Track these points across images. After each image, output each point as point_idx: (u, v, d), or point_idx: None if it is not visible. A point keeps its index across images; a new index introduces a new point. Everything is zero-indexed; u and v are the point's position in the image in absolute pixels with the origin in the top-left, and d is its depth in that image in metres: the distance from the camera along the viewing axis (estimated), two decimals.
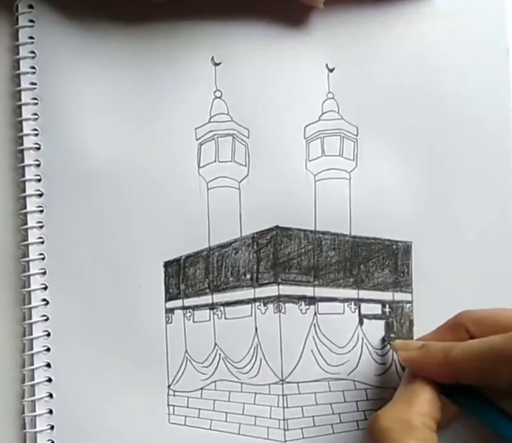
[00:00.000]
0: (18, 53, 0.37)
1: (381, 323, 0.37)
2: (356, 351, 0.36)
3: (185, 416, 0.36)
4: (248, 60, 0.37)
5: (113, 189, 0.37)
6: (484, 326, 0.30)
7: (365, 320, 0.37)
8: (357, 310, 0.37)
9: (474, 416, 0.29)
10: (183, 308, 0.37)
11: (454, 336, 0.31)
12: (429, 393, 0.30)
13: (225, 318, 0.37)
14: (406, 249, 0.37)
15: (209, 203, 0.37)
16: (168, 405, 0.36)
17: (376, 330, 0.37)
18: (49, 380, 0.36)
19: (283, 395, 0.36)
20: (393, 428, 0.28)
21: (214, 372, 0.37)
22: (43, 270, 0.36)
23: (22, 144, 0.37)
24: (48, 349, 0.36)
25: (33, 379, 0.36)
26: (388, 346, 0.36)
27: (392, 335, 0.36)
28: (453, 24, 0.37)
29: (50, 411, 0.36)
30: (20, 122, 0.37)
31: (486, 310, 0.32)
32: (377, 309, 0.37)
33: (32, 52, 0.37)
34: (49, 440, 0.36)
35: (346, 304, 0.37)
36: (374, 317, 0.37)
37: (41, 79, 0.37)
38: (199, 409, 0.36)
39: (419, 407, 0.29)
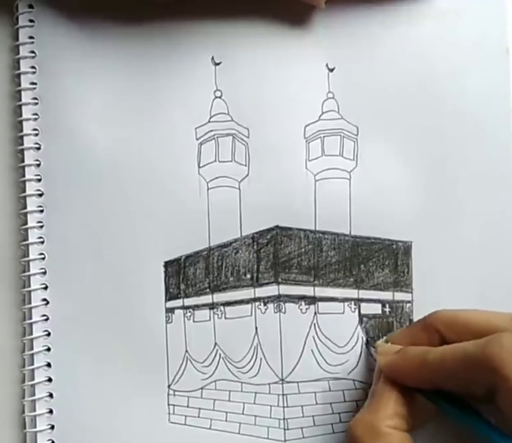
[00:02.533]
0: (18, 53, 0.37)
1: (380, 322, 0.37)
2: (356, 350, 0.36)
3: (185, 416, 0.36)
4: (248, 60, 0.37)
5: (113, 189, 0.37)
6: (455, 329, 0.30)
7: (365, 320, 0.37)
8: (357, 310, 0.37)
9: (454, 419, 0.29)
10: (183, 307, 0.37)
11: (425, 337, 0.31)
12: (395, 392, 0.30)
13: (225, 317, 0.37)
14: (406, 249, 0.37)
15: (209, 203, 0.37)
16: (168, 404, 0.36)
17: (375, 330, 0.37)
18: (49, 380, 0.36)
19: (283, 394, 0.36)
20: (362, 435, 0.29)
21: (214, 372, 0.37)
22: (43, 270, 0.36)
23: (22, 144, 0.37)
24: (48, 349, 0.36)
25: (33, 379, 0.36)
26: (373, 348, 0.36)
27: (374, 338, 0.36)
28: (453, 24, 0.37)
29: (50, 411, 0.36)
30: (20, 122, 0.37)
31: (456, 311, 0.31)
32: (377, 308, 0.37)
33: (32, 52, 0.37)
34: (49, 440, 0.36)
35: (346, 303, 0.37)
36: (374, 316, 0.37)
37: (41, 79, 0.37)
38: (199, 408, 0.37)
39: (384, 411, 0.30)
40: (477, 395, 0.28)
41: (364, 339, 0.36)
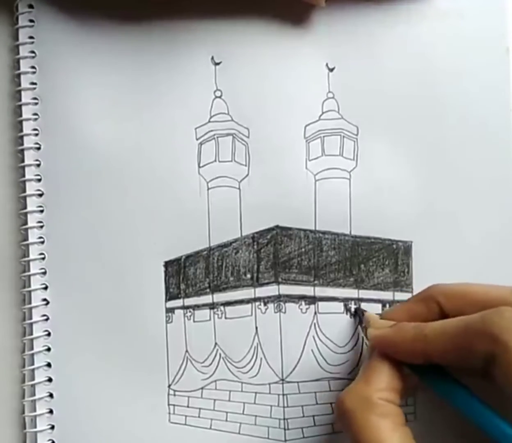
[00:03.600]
0: (18, 53, 0.37)
1: None
2: (356, 350, 0.36)
3: (186, 416, 0.36)
4: (248, 60, 0.37)
5: (114, 189, 0.37)
6: (454, 300, 0.30)
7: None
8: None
9: (443, 396, 0.29)
10: (184, 307, 0.37)
11: (425, 309, 0.31)
12: (387, 366, 0.30)
13: (226, 317, 0.37)
14: (406, 248, 0.37)
15: (210, 203, 0.37)
16: (169, 404, 0.36)
17: None
18: (50, 380, 0.36)
19: (283, 394, 0.36)
20: (355, 408, 0.29)
21: (214, 372, 0.37)
22: (43, 270, 0.36)
23: (22, 144, 0.37)
24: (48, 349, 0.36)
25: (33, 379, 0.36)
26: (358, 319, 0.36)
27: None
28: (453, 24, 0.37)
29: (51, 411, 0.36)
30: (20, 122, 0.37)
31: (456, 284, 0.31)
32: (377, 308, 0.37)
33: (32, 52, 0.37)
34: (49, 440, 0.36)
35: (346, 303, 0.37)
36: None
37: (41, 79, 0.37)
38: (200, 408, 0.37)
39: (376, 383, 0.29)
40: (474, 367, 0.28)
41: (353, 309, 0.36)
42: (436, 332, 0.28)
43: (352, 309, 0.36)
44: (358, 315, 0.36)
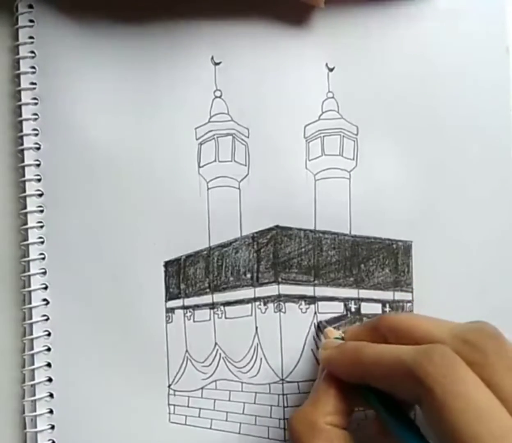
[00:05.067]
0: (18, 53, 0.37)
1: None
2: None
3: (186, 416, 0.36)
4: (248, 60, 0.37)
5: (113, 189, 0.37)
6: (397, 335, 0.30)
7: (366, 320, 0.37)
8: (357, 310, 0.37)
9: (383, 420, 0.29)
10: (184, 307, 0.37)
11: (371, 339, 0.30)
12: (334, 388, 0.30)
13: (226, 317, 0.37)
14: (406, 248, 0.37)
15: (209, 202, 0.37)
16: (169, 404, 0.36)
17: None
18: (50, 380, 0.36)
19: (283, 394, 0.36)
20: (301, 431, 0.29)
21: (214, 372, 0.37)
22: (43, 270, 0.36)
23: (22, 144, 0.37)
24: (48, 349, 0.36)
25: (33, 379, 0.36)
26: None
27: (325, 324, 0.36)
28: (453, 24, 0.37)
29: (51, 411, 0.36)
30: (20, 122, 0.37)
31: (401, 317, 0.31)
32: (377, 308, 0.37)
33: (32, 52, 0.37)
34: (49, 440, 0.36)
35: (346, 303, 0.37)
36: (375, 316, 0.37)
37: (41, 79, 0.37)
38: (200, 408, 0.37)
39: (323, 407, 0.29)
40: (405, 400, 0.27)
41: (316, 323, 0.36)
42: (371, 357, 0.28)
43: (315, 323, 0.36)
44: (319, 329, 0.36)
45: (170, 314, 0.37)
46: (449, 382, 0.24)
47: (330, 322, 0.37)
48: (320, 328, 0.36)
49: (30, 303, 0.36)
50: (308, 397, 0.31)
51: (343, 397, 0.29)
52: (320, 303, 0.37)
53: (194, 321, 0.37)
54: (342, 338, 0.33)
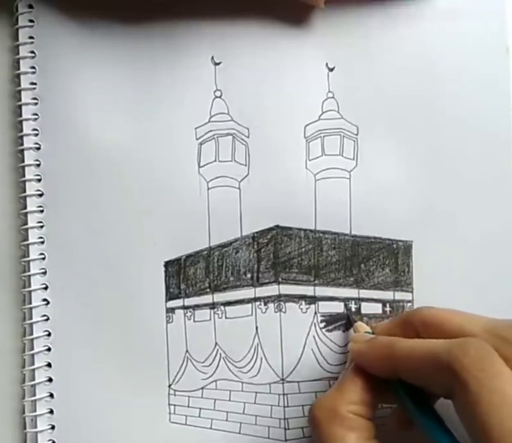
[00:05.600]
0: (18, 53, 0.37)
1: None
2: None
3: (186, 416, 0.36)
4: (248, 60, 0.37)
5: (113, 189, 0.37)
6: (430, 329, 0.30)
7: (366, 319, 0.37)
8: (357, 310, 0.37)
9: (411, 412, 0.29)
10: (184, 307, 0.37)
11: (403, 332, 0.31)
12: (361, 379, 0.30)
13: (226, 317, 0.37)
14: (407, 248, 0.37)
15: (210, 202, 0.37)
16: (169, 404, 0.36)
17: None
18: (50, 380, 0.36)
19: (283, 394, 0.36)
20: (322, 417, 0.29)
21: (214, 372, 0.37)
22: (43, 270, 0.36)
23: (22, 144, 0.37)
24: (48, 349, 0.36)
25: (33, 379, 0.36)
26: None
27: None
28: (453, 23, 0.37)
29: (51, 411, 0.36)
30: (20, 122, 0.37)
31: (435, 311, 0.31)
32: (377, 308, 0.37)
33: (32, 52, 0.37)
34: (49, 440, 0.36)
35: (346, 303, 0.37)
36: (375, 316, 0.37)
37: (41, 79, 0.37)
38: (200, 408, 0.37)
39: (348, 395, 0.29)
40: (436, 393, 0.28)
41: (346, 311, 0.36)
42: (404, 351, 0.28)
43: (346, 311, 0.36)
44: (349, 323, 0.36)
45: (170, 314, 0.37)
46: (485, 377, 0.24)
47: (329, 321, 0.37)
48: (350, 321, 0.36)
49: (30, 303, 0.36)
50: (333, 386, 0.31)
51: (369, 389, 0.29)
52: (320, 303, 0.37)
53: (194, 321, 0.37)
54: (372, 333, 0.33)
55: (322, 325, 0.36)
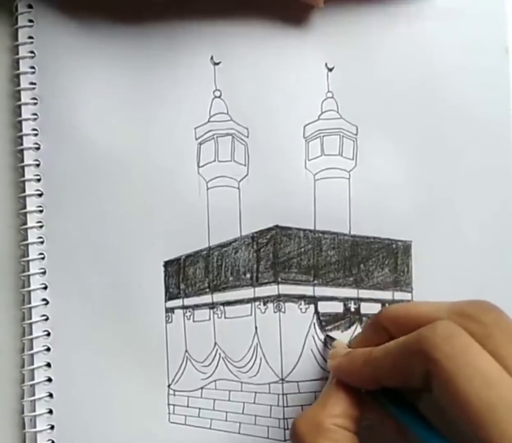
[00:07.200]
0: (17, 53, 0.37)
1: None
2: None
3: (185, 416, 0.36)
4: (248, 60, 0.37)
5: (113, 189, 0.37)
6: (398, 323, 0.30)
7: (365, 319, 0.37)
8: (357, 310, 0.37)
9: (397, 419, 0.29)
10: (183, 307, 0.37)
11: (376, 336, 0.31)
12: (343, 393, 0.29)
13: (225, 317, 0.37)
14: (406, 248, 0.37)
15: (209, 202, 0.37)
16: (168, 404, 0.36)
17: None
18: (49, 380, 0.36)
19: (283, 394, 0.36)
20: (306, 432, 0.28)
21: (214, 372, 0.37)
22: (43, 270, 0.36)
23: (21, 144, 0.37)
24: (48, 349, 0.36)
25: (33, 379, 0.36)
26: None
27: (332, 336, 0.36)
28: (453, 24, 0.37)
29: (50, 411, 0.36)
30: (20, 122, 0.37)
31: (399, 306, 0.31)
32: (377, 308, 0.37)
33: (32, 52, 0.37)
34: (49, 440, 0.36)
35: (346, 303, 0.37)
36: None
37: (41, 79, 0.37)
38: (199, 408, 0.37)
39: (331, 409, 0.29)
40: (416, 386, 0.27)
41: (322, 337, 0.36)
42: (379, 355, 0.28)
43: (322, 339, 0.36)
44: (326, 344, 0.36)
45: (169, 314, 0.37)
46: (455, 352, 0.25)
47: (329, 321, 0.37)
48: (327, 341, 0.36)
49: (29, 303, 0.36)
50: (314, 402, 0.30)
51: (352, 402, 0.29)
52: (319, 303, 0.37)
53: (193, 321, 0.37)
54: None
55: (321, 325, 0.36)
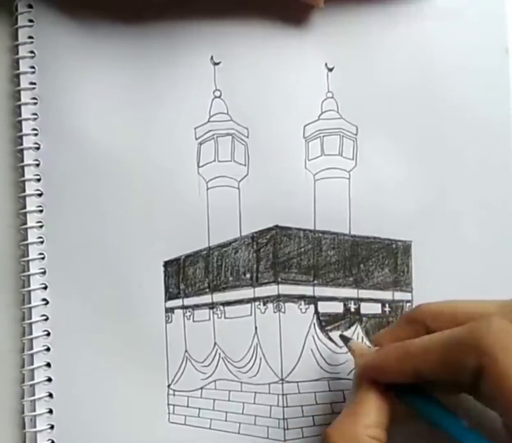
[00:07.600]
0: (17, 53, 0.37)
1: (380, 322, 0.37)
2: None
3: (185, 416, 0.36)
4: (248, 60, 0.37)
5: (113, 189, 0.37)
6: (442, 320, 0.29)
7: (365, 320, 0.37)
8: (356, 310, 0.37)
9: (425, 416, 0.29)
10: (183, 307, 0.37)
11: (411, 332, 0.30)
12: (375, 400, 0.29)
13: (225, 317, 0.37)
14: (406, 248, 0.37)
15: (209, 202, 0.37)
16: (168, 404, 0.36)
17: (375, 329, 0.37)
18: (49, 379, 0.36)
19: (283, 394, 0.36)
20: None
21: (214, 372, 0.37)
22: (43, 270, 0.36)
23: (21, 143, 0.37)
24: (48, 349, 0.36)
25: (33, 378, 0.36)
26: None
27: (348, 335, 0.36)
28: (453, 24, 0.37)
29: (50, 411, 0.36)
30: (20, 122, 0.37)
31: (442, 303, 0.31)
32: (377, 308, 0.37)
33: (32, 51, 0.37)
34: (49, 440, 0.36)
35: (346, 303, 0.37)
36: (374, 316, 0.37)
37: (41, 78, 0.37)
38: (199, 408, 0.37)
39: (364, 419, 0.29)
40: (462, 382, 0.27)
41: (322, 337, 0.36)
42: (421, 348, 0.28)
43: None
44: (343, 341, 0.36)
45: (169, 314, 0.37)
46: (511, 348, 0.25)
47: (329, 321, 0.37)
48: (342, 341, 0.35)
49: (29, 303, 0.36)
50: (345, 409, 0.30)
51: (382, 409, 0.29)
52: (319, 303, 0.37)
53: (193, 321, 0.37)
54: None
55: (321, 325, 0.36)
